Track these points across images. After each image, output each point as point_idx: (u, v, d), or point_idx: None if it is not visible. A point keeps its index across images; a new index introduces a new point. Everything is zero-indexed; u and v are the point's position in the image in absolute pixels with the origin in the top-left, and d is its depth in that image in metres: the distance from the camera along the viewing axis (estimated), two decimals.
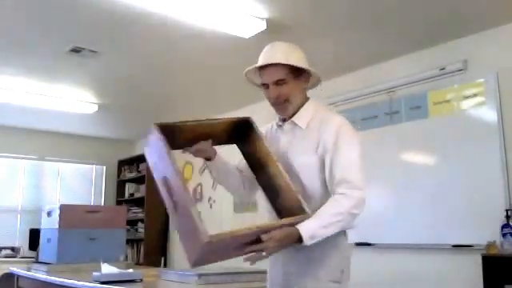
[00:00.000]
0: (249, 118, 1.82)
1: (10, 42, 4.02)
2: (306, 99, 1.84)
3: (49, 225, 3.31)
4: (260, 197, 1.88)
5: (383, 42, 4.03)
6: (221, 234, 1.46)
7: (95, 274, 2.47)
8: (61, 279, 2.65)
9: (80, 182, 7.64)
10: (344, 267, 1.69)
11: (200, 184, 6.63)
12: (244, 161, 1.90)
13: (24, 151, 7.08)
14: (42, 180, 7.31)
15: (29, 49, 4.17)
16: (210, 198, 6.43)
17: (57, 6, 3.34)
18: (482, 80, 3.74)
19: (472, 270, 3.39)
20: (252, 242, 1.51)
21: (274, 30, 3.58)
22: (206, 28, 3.62)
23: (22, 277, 3.34)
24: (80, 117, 6.31)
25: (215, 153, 1.83)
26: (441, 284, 3.78)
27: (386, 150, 4.34)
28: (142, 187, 7.28)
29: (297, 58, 1.75)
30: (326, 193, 1.70)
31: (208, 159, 1.83)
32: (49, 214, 3.34)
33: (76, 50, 4.14)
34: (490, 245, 3.31)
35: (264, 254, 1.52)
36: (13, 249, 6.52)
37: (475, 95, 3.78)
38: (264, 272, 2.76)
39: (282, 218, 1.69)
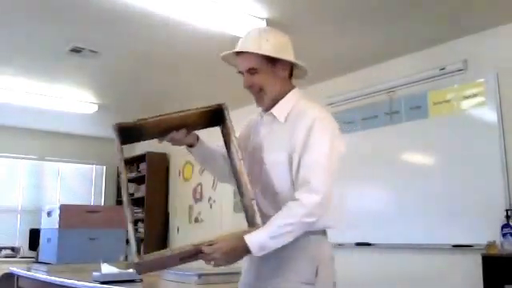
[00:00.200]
0: (222, 104, 1.65)
1: (9, 42, 4.02)
2: (289, 89, 1.73)
3: (49, 225, 3.31)
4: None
5: (383, 42, 4.03)
6: (150, 255, 1.51)
7: (95, 274, 2.47)
8: (61, 279, 2.65)
9: (80, 182, 7.64)
10: (319, 268, 1.57)
11: (200, 184, 6.63)
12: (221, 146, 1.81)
13: (24, 151, 7.07)
14: (42, 180, 7.31)
15: (29, 49, 4.17)
16: (210, 198, 6.43)
17: (57, 5, 3.34)
18: (482, 80, 3.74)
19: (472, 270, 3.39)
20: (194, 255, 1.50)
21: None
22: (207, 28, 3.62)
23: (22, 277, 3.33)
24: (80, 117, 6.31)
25: (196, 139, 1.74)
26: (441, 284, 3.78)
27: (386, 149, 4.34)
28: (142, 187, 7.28)
29: (272, 46, 1.64)
30: None
31: (190, 146, 1.76)
32: (49, 214, 3.34)
33: (76, 50, 4.14)
34: (490, 245, 3.31)
35: (212, 264, 1.50)
36: (13, 249, 6.51)
37: (475, 95, 3.78)
38: None
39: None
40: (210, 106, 1.63)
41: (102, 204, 7.61)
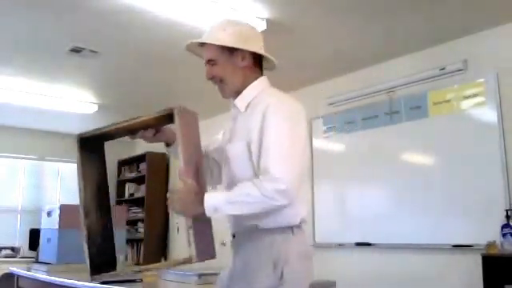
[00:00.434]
0: (173, 109, 1.57)
1: (9, 42, 4.02)
2: (254, 79, 1.68)
3: (49, 225, 3.31)
4: None
5: (383, 42, 4.03)
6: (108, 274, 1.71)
7: None
8: (61, 279, 2.65)
9: None
10: (285, 270, 1.51)
11: None
12: (219, 140, 1.79)
13: (24, 151, 7.07)
14: (42, 180, 7.31)
15: (29, 49, 4.17)
16: None
17: (57, 5, 3.34)
18: (482, 80, 3.74)
19: (472, 269, 3.39)
20: None
21: (273, 30, 3.58)
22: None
23: (22, 277, 3.33)
24: (80, 117, 6.31)
25: (173, 138, 1.71)
26: (441, 284, 3.78)
27: (386, 149, 4.34)
28: (142, 187, 7.28)
29: (229, 36, 1.62)
30: None
31: (168, 145, 1.75)
32: (49, 214, 3.34)
33: (76, 50, 4.15)
34: (490, 245, 3.31)
35: (171, 208, 1.52)
36: (13, 249, 6.52)
37: (475, 95, 3.78)
38: None
39: None
40: (165, 109, 1.59)
41: None
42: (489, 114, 3.68)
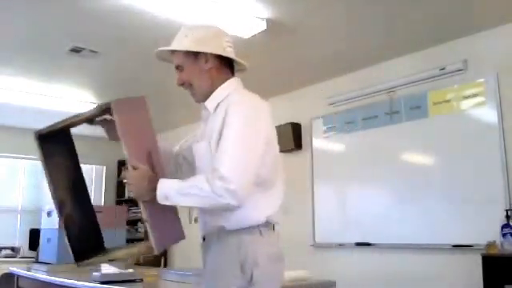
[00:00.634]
0: (110, 103, 1.62)
1: (9, 42, 4.02)
2: (224, 80, 1.69)
3: (49, 225, 3.31)
4: None
5: (383, 42, 4.03)
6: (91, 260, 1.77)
7: (95, 273, 2.47)
8: (61, 279, 2.65)
9: None
10: (254, 272, 1.50)
11: None
12: (191, 140, 1.80)
13: (24, 151, 7.05)
14: (42, 180, 7.21)
15: (29, 49, 4.17)
16: None
17: (57, 5, 3.34)
18: (482, 80, 3.74)
19: (472, 270, 3.39)
20: None
21: (274, 30, 3.58)
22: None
23: (22, 277, 3.33)
24: None
25: None
26: (441, 284, 3.78)
27: (386, 149, 4.34)
28: None
29: (190, 41, 1.66)
30: None
31: None
32: (49, 214, 3.34)
33: (76, 50, 4.14)
34: (490, 245, 3.31)
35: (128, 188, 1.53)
36: (13, 249, 6.52)
37: (475, 95, 3.78)
38: None
39: None
40: (106, 103, 1.66)
41: (102, 204, 7.60)
42: (489, 114, 3.68)
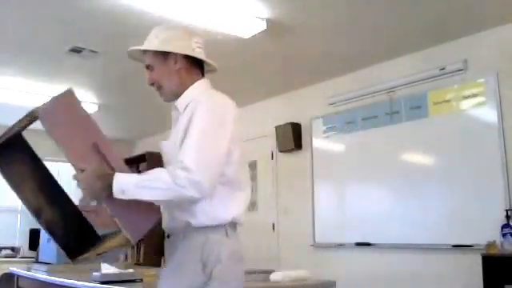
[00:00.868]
0: (35, 112, 1.58)
1: (9, 42, 4.02)
2: (194, 81, 1.72)
3: None
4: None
5: (383, 42, 4.03)
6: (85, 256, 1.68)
7: (95, 274, 2.47)
8: (61, 279, 2.65)
9: None
10: (214, 271, 1.50)
11: None
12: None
13: None
14: None
15: (29, 49, 4.17)
16: None
17: (56, 6, 3.34)
18: (482, 80, 3.74)
19: (472, 270, 3.39)
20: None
21: (274, 30, 3.58)
22: (206, 28, 3.62)
23: (22, 277, 3.33)
24: None
25: None
26: (441, 284, 3.78)
27: (385, 150, 4.34)
28: None
29: (159, 41, 1.70)
30: None
31: None
32: None
33: (76, 50, 4.14)
34: (490, 245, 3.31)
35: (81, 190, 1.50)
36: (13, 249, 6.52)
37: (475, 95, 3.78)
38: (267, 272, 2.76)
39: None
40: (32, 112, 1.62)
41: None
42: (489, 114, 3.68)
